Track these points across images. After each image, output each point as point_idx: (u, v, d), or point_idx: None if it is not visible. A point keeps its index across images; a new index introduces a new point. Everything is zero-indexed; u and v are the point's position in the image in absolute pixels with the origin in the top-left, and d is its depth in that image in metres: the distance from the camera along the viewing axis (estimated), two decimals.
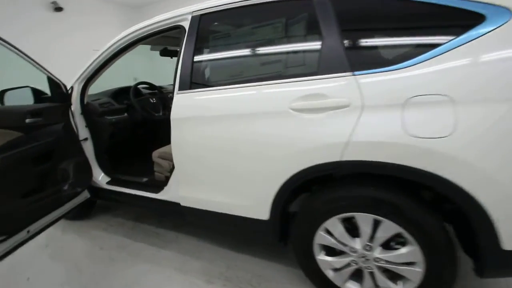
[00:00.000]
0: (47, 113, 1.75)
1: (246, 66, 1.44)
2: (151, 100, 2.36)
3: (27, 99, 1.79)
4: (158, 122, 2.49)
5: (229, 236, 2.05)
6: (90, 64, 1.98)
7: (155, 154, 2.12)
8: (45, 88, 1.90)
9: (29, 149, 1.58)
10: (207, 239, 2.07)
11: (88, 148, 2.15)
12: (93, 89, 2.19)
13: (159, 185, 1.99)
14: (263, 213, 1.42)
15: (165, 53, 2.49)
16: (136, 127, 2.40)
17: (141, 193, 2.01)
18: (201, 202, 1.62)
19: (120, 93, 2.38)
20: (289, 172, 1.27)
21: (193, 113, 1.49)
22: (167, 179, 1.86)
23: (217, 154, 1.45)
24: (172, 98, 1.61)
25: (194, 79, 1.53)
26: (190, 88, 1.52)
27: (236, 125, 1.36)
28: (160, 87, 2.80)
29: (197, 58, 1.54)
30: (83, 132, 2.12)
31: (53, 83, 1.84)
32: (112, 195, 2.17)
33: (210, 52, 1.57)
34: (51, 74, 1.81)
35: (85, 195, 2.11)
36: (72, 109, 2.04)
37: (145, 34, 1.76)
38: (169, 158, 2.05)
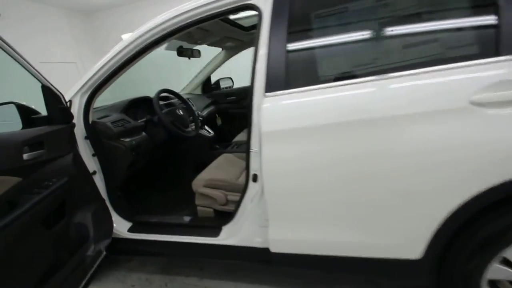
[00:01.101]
0: (50, 141, 1.14)
1: (383, 50, 1.06)
2: (178, 113, 1.81)
3: (11, 123, 1.15)
4: (185, 141, 1.95)
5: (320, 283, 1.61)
6: (100, 69, 1.40)
7: (199, 182, 1.60)
8: (35, 102, 1.26)
9: (36, 206, 0.96)
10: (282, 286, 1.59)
11: (98, 185, 1.53)
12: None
13: (213, 224, 1.48)
14: (413, 250, 1.04)
15: (182, 52, 1.97)
16: (157, 149, 1.82)
17: (186, 239, 1.47)
18: (310, 245, 1.17)
19: (131, 107, 1.79)
20: (468, 192, 0.92)
21: (300, 122, 1.05)
22: (219, 214, 1.37)
23: (344, 178, 1.03)
24: (248, 105, 1.17)
25: (293, 75, 1.10)
26: (288, 88, 1.08)
27: (380, 133, 0.97)
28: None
29: (293, 45, 1.11)
30: (89, 163, 1.50)
31: (51, 95, 1.22)
32: (138, 246, 1.57)
33: (316, 36, 1.15)
34: (48, 81, 1.20)
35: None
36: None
37: (193, 19, 1.27)
38: (222, 186, 1.55)
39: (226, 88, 3.04)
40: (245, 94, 2.89)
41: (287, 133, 1.06)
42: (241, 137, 2.46)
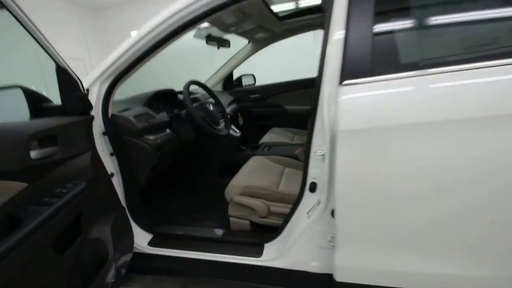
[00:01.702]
0: (65, 136, 0.90)
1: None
2: (209, 108, 1.57)
3: (16, 112, 0.91)
4: (210, 141, 1.70)
5: None
6: (123, 53, 1.17)
7: (234, 190, 1.35)
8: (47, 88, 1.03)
9: (46, 223, 0.72)
10: None
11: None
12: None
13: (254, 240, 1.24)
14: None
15: (211, 40, 1.73)
16: (181, 149, 1.57)
17: (219, 257, 1.22)
18: (397, 276, 0.91)
19: (153, 100, 1.54)
20: None
21: (398, 117, 0.80)
22: (257, 228, 1.19)
23: (462, 194, 0.78)
24: (314, 98, 0.93)
25: (382, 59, 0.86)
26: (375, 74, 0.84)
27: None
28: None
29: (383, 26, 0.87)
30: (106, 163, 1.26)
31: (68, 79, 0.99)
32: (159, 263, 1.33)
33: (414, 13, 0.91)
34: (65, 62, 0.97)
35: None
36: None
37: None
38: (263, 195, 1.31)
39: (247, 85, 2.80)
40: (270, 92, 2.70)
41: (376, 132, 0.81)
42: (268, 138, 2.22)
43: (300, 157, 1.75)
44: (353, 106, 0.84)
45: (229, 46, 1.88)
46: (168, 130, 1.47)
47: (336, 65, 0.89)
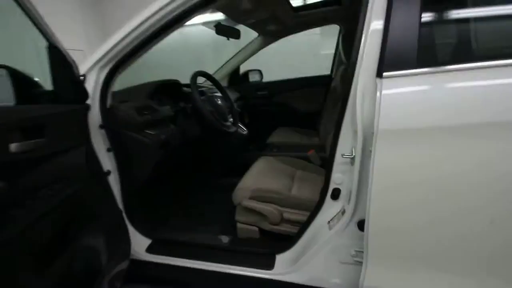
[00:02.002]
0: (55, 126, 0.77)
1: None
2: (217, 102, 1.44)
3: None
4: (217, 139, 1.57)
5: None
6: (125, 36, 1.04)
7: (243, 193, 1.22)
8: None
9: (29, 231, 0.59)
10: None
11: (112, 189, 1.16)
12: None
13: (264, 250, 1.12)
14: None
15: (220, 30, 1.61)
16: (186, 147, 1.44)
17: (225, 268, 1.10)
18: None
19: (157, 92, 1.41)
20: None
21: (446, 117, 0.68)
22: (266, 235, 1.08)
23: None
24: (344, 92, 0.81)
25: (431, 49, 0.74)
26: (422, 66, 0.72)
27: None
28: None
29: (432, 13, 0.75)
30: (103, 160, 1.13)
31: (61, 61, 0.86)
32: (158, 272, 1.20)
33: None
34: (59, 41, 0.84)
35: None
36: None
37: None
38: (275, 200, 1.19)
39: (254, 82, 2.68)
40: (278, 89, 2.57)
41: (426, 133, 0.69)
42: (277, 137, 2.09)
43: (313, 159, 1.62)
44: (398, 102, 0.72)
45: (239, 37, 1.75)
46: (172, 126, 1.34)
47: (374, 55, 0.77)
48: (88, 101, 1.05)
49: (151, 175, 1.26)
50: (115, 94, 1.29)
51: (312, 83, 2.49)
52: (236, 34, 1.72)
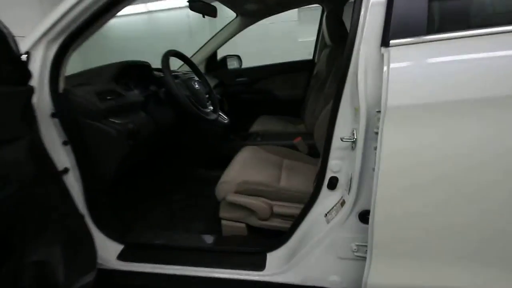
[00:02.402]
0: None
1: None
2: (194, 86, 1.27)
3: None
4: (195, 127, 1.41)
5: None
6: (78, 2, 0.85)
7: (227, 186, 1.10)
8: None
9: None
10: None
11: (71, 189, 0.98)
12: None
13: (253, 249, 1.01)
14: None
15: (194, 5, 1.43)
16: (159, 136, 1.28)
17: (209, 272, 0.98)
18: None
19: (124, 75, 1.22)
20: None
21: (467, 89, 0.59)
22: (255, 232, 1.01)
23: None
24: (341, 68, 0.71)
25: (444, 13, 0.64)
26: (437, 32, 0.62)
27: None
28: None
29: None
30: (57, 156, 0.95)
31: None
32: (133, 281, 1.05)
33: None
34: None
35: None
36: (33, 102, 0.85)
37: None
38: (263, 193, 1.08)
39: (233, 68, 2.52)
40: (259, 75, 2.42)
41: (443, 109, 0.60)
42: (260, 126, 1.97)
43: (300, 147, 1.53)
44: (408, 74, 0.62)
45: (215, 15, 1.58)
46: (142, 113, 1.17)
47: (377, 22, 0.67)
48: (34, 82, 0.86)
49: (120, 170, 1.09)
50: (70, 77, 1.09)
51: (294, 68, 2.38)
52: (212, 11, 1.55)
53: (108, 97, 1.01)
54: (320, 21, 2.20)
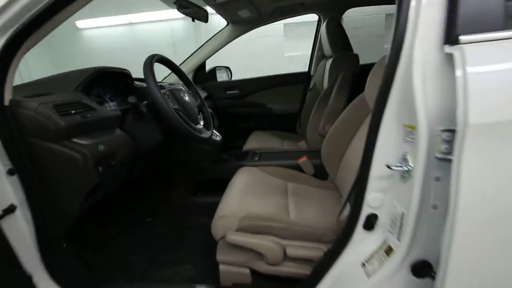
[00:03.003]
0: None
1: None
2: (184, 98, 1.06)
3: None
4: (183, 146, 1.19)
5: None
6: None
7: (225, 223, 0.87)
8: None
9: None
10: None
11: (16, 233, 0.73)
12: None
13: None
14: None
15: (182, 7, 1.24)
16: (140, 159, 1.04)
17: None
18: None
19: (92, 84, 0.98)
20: None
21: None
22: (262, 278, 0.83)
23: None
24: (386, 76, 0.55)
25: None
26: None
27: None
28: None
29: None
30: (1, 190, 0.70)
31: None
32: None
33: None
34: None
35: None
36: None
37: None
38: (272, 229, 0.87)
39: (222, 81, 2.33)
40: (251, 88, 2.25)
41: None
42: (255, 143, 1.77)
43: (305, 167, 1.34)
44: (496, 80, 0.45)
45: (206, 20, 1.41)
46: (118, 131, 0.94)
47: (436, 11, 0.51)
48: None
49: (87, 205, 0.85)
50: (23, 86, 0.86)
51: (288, 81, 2.23)
52: (202, 16, 1.37)
53: (73, 111, 0.77)
54: (316, 32, 2.09)
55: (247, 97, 2.22)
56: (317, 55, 2.09)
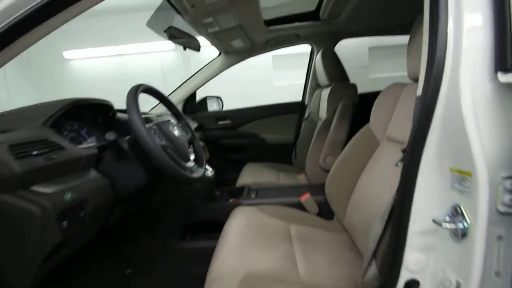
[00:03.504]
0: None
1: None
2: (173, 132, 0.93)
3: None
4: (175, 185, 1.04)
5: None
6: None
7: (224, 285, 0.71)
8: None
9: None
10: None
11: None
12: None
13: None
14: None
15: (174, 35, 1.16)
16: (117, 207, 0.88)
17: None
18: None
19: (64, 118, 0.84)
20: None
21: None
22: None
23: None
24: (425, 109, 0.46)
25: None
26: None
27: None
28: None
29: None
30: None
31: None
32: None
33: None
34: None
35: None
36: None
37: None
38: None
39: (213, 111, 2.24)
40: (244, 118, 2.16)
41: None
42: (249, 177, 1.64)
43: (308, 206, 1.20)
44: None
45: (198, 50, 1.34)
46: (93, 173, 0.79)
47: (486, 35, 0.43)
48: None
49: (49, 266, 0.67)
50: None
51: (282, 110, 2.16)
52: (194, 44, 1.30)
53: (35, 152, 0.63)
54: (309, 62, 2.07)
55: (239, 127, 2.12)
56: (311, 84, 2.06)
